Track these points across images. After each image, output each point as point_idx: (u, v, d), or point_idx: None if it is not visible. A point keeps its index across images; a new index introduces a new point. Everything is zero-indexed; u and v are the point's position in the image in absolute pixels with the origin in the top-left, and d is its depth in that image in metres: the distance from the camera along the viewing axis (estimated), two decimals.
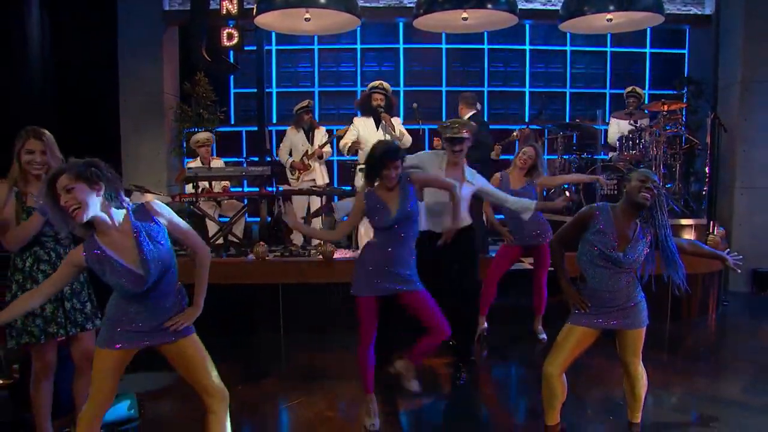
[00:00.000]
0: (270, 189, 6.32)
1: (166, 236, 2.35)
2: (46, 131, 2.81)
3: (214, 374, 2.46)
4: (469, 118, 5.33)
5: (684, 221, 6.04)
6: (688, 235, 6.00)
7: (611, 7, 6.23)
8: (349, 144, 5.77)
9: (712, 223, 6.31)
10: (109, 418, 3.25)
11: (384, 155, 3.10)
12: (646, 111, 6.81)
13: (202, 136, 6.45)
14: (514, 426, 3.62)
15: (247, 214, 6.39)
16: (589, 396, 3.79)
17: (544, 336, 4.88)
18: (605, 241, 2.75)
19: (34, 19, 6.84)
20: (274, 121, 8.47)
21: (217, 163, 6.37)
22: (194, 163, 6.30)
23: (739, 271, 3.08)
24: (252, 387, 3.97)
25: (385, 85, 5.81)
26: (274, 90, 8.60)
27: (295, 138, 6.52)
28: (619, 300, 2.81)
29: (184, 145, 7.53)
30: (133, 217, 2.30)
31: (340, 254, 5.39)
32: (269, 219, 6.22)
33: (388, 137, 5.60)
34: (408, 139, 5.76)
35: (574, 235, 2.92)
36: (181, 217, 2.46)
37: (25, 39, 6.74)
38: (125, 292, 2.28)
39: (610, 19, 6.48)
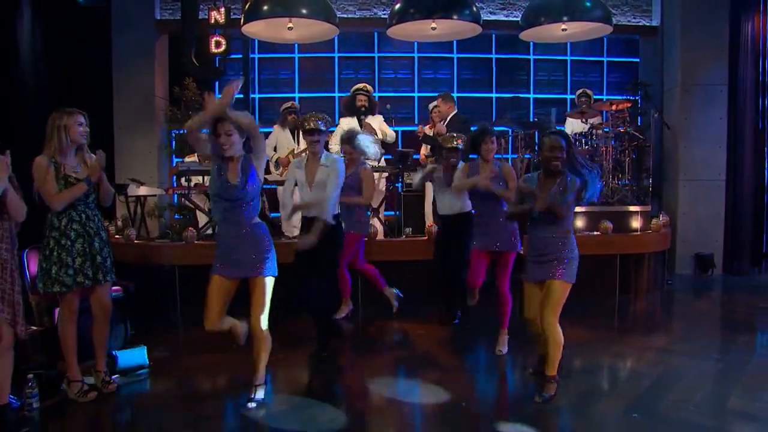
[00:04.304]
0: None
1: (257, 177, 3.21)
2: None
3: (263, 317, 3.18)
4: (453, 115, 6.38)
5: (632, 208, 6.70)
6: (636, 223, 6.67)
7: (565, 18, 6.97)
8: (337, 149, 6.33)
9: (659, 212, 7.03)
10: (124, 363, 3.76)
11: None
12: (603, 112, 7.49)
13: None
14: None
15: None
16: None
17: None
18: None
19: (25, 24, 7.18)
20: (257, 123, 8.96)
21: None
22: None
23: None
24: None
25: (368, 87, 6.38)
26: (257, 95, 9.14)
27: (281, 136, 6.94)
28: None
29: (173, 144, 8.03)
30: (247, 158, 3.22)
31: None
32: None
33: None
34: (391, 135, 6.34)
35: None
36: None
37: (17, 42, 7.06)
38: (218, 198, 3.16)
39: (565, 29, 7.20)
